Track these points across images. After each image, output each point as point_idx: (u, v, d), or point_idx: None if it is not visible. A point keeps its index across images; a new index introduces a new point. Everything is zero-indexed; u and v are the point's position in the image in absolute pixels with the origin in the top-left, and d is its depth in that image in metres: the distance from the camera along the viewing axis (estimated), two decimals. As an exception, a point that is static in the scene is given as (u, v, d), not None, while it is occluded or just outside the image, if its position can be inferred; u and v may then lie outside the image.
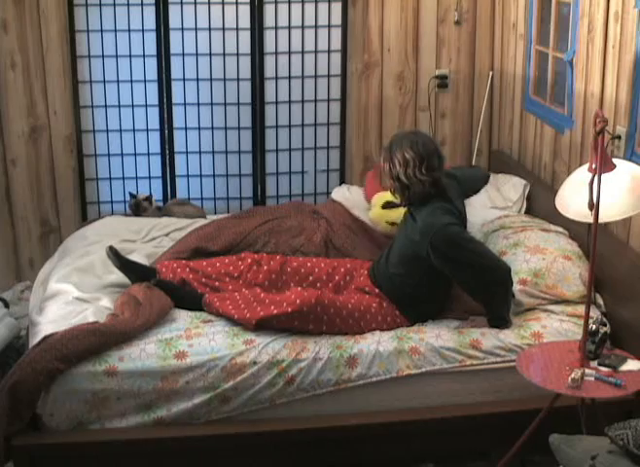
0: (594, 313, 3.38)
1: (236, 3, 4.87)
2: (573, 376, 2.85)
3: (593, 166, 2.82)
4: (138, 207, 4.75)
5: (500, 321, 3.44)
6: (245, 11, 4.88)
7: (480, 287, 3.40)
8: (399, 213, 3.88)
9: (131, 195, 4.84)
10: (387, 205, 4.21)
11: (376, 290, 3.56)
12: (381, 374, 3.28)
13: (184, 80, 4.94)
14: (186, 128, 5.02)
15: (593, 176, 2.80)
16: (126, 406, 3.18)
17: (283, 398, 3.24)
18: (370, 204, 4.50)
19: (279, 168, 5.16)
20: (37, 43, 4.76)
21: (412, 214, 3.52)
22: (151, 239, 4.36)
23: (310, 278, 3.70)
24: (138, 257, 4.05)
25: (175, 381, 3.19)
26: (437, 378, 3.33)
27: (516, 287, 3.60)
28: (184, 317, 3.48)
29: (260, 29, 4.91)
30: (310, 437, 3.23)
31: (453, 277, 3.44)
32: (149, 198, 4.78)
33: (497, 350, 3.36)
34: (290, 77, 5.03)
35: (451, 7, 5.08)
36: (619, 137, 3.55)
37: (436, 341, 3.35)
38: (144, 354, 3.22)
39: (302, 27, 4.97)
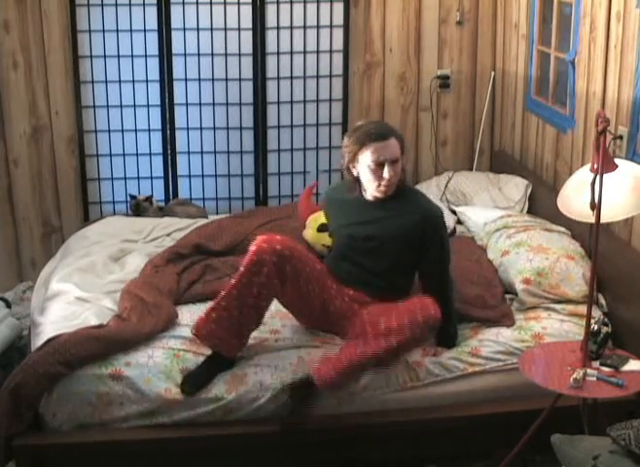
0: (596, 313, 3.38)
1: (238, 3, 4.87)
2: (575, 376, 2.84)
3: (595, 166, 2.82)
4: (138, 208, 4.75)
5: (450, 340, 3.40)
6: (247, 11, 4.88)
7: (438, 283, 3.38)
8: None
9: (131, 196, 4.85)
10: (322, 228, 3.98)
11: (368, 298, 3.42)
12: (385, 386, 3.26)
13: (186, 80, 4.94)
14: (188, 128, 5.03)
15: (595, 176, 2.79)
16: (129, 411, 3.15)
17: (287, 410, 3.21)
18: (303, 222, 4.26)
19: (281, 169, 5.17)
20: (39, 43, 4.77)
21: (383, 204, 3.38)
22: (152, 239, 4.37)
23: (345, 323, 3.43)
24: (139, 256, 4.06)
25: (178, 392, 3.16)
26: (439, 386, 3.32)
27: (520, 286, 3.61)
28: (187, 320, 3.47)
29: (262, 29, 4.91)
30: (312, 437, 3.22)
31: (430, 263, 3.38)
32: (149, 199, 4.78)
33: (498, 355, 3.35)
34: (292, 77, 5.03)
35: (453, 7, 5.08)
36: (620, 137, 3.55)
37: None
38: (151, 362, 3.20)
39: (304, 27, 4.97)
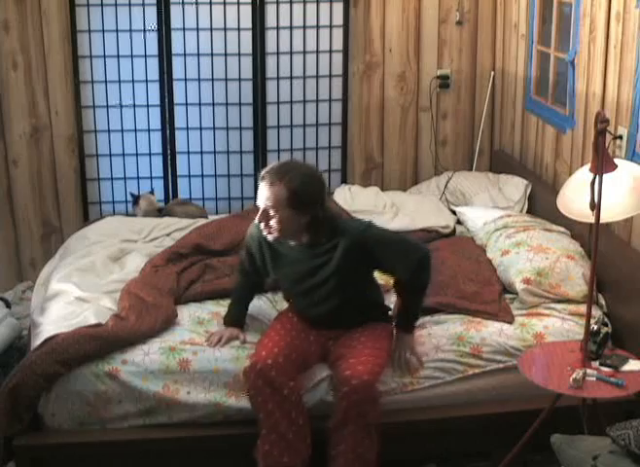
0: (596, 313, 3.38)
1: (238, 3, 4.87)
2: (574, 376, 2.84)
3: (595, 166, 2.82)
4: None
5: (409, 326, 3.31)
6: (247, 11, 4.88)
7: (410, 271, 3.19)
8: None
9: (132, 195, 4.85)
10: None
11: (341, 331, 3.31)
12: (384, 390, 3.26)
13: (185, 80, 4.94)
14: (187, 128, 5.03)
15: (595, 176, 2.80)
16: (127, 410, 3.16)
17: None
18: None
19: (281, 169, 5.16)
20: (39, 43, 4.77)
21: (311, 246, 3.18)
22: (152, 239, 4.36)
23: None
24: (139, 256, 4.06)
25: (176, 391, 3.17)
26: (439, 387, 3.32)
27: (520, 286, 3.61)
28: (187, 320, 3.48)
29: (261, 29, 4.91)
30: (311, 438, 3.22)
31: (388, 266, 3.25)
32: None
33: (499, 357, 3.35)
34: (292, 77, 5.03)
35: (453, 7, 5.08)
36: (620, 137, 3.55)
37: (435, 354, 3.32)
38: (147, 359, 3.21)
39: (304, 27, 4.97)
